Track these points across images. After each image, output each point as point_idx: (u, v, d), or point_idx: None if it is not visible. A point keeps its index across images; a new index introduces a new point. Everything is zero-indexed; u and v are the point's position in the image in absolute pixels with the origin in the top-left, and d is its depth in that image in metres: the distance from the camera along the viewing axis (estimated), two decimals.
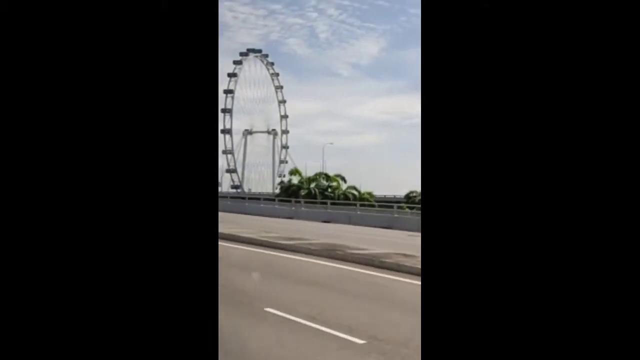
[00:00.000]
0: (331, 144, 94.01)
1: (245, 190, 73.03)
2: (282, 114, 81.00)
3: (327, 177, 41.66)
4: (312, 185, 40.68)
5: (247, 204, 34.05)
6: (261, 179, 79.65)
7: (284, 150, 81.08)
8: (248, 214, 27.58)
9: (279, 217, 27.04)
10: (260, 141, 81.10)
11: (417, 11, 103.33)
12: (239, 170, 77.13)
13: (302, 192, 38.81)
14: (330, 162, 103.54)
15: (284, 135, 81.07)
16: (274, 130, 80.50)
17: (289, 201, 33.06)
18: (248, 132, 79.52)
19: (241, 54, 76.46)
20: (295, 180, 43.12)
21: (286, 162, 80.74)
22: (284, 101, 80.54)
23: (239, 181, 76.56)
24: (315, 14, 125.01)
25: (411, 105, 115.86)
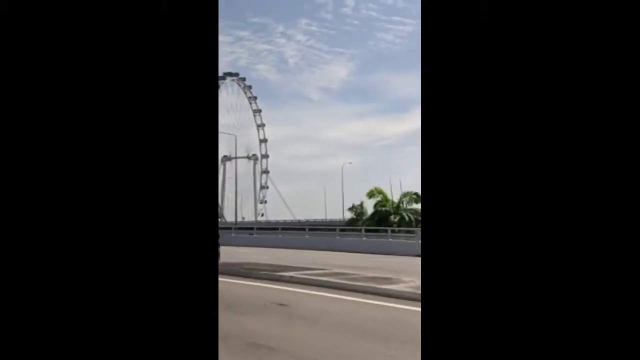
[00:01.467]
0: (350, 163, 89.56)
1: (239, 219, 69.69)
2: (262, 137, 79.05)
3: (418, 199, 32.47)
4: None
5: (338, 237, 24.37)
6: (243, 207, 76.45)
7: (264, 175, 78.78)
8: (345, 251, 20.19)
9: (401, 255, 18.07)
10: (240, 167, 78.09)
11: (384, 35, 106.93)
12: (219, 197, 73.59)
13: (394, 219, 31.17)
14: (303, 186, 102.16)
15: (264, 160, 78.96)
16: (254, 155, 78.01)
17: (413, 232, 25.13)
18: (227, 158, 76.29)
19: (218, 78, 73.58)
20: (369, 203, 34.23)
21: (267, 187, 78.81)
22: (262, 125, 78.78)
23: (220, 210, 73.05)
24: (283, 40, 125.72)
25: (381, 128, 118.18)
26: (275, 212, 73.73)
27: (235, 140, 57.17)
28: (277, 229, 32.74)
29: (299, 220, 61.04)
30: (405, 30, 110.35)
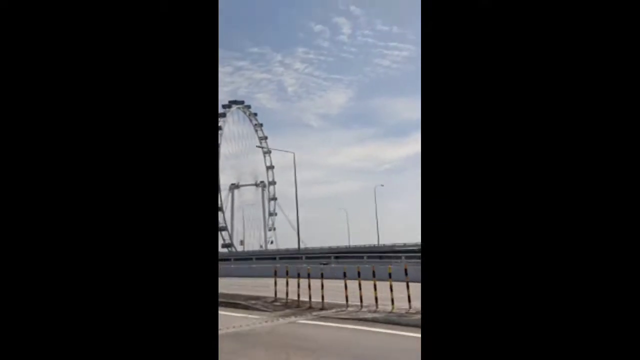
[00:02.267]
0: (382, 185, 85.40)
1: (251, 248, 68.01)
2: (268, 164, 78.18)
3: None
4: None
5: None
6: (252, 235, 74.89)
7: (272, 202, 77.51)
8: None
9: None
10: (248, 195, 76.74)
11: (381, 61, 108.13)
12: (229, 227, 71.85)
13: None
14: (308, 212, 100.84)
15: (272, 187, 77.88)
16: (262, 182, 76.88)
17: None
18: (235, 187, 75.00)
19: (224, 106, 72.88)
20: None
21: (275, 214, 77.40)
22: (269, 151, 77.84)
23: (230, 239, 71.29)
24: (281, 69, 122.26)
25: (383, 152, 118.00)
26: (283, 241, 72.24)
27: (297, 156, 56.02)
28: (365, 254, 29.74)
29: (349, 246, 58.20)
30: (401, 55, 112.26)
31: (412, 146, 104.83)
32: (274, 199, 78.20)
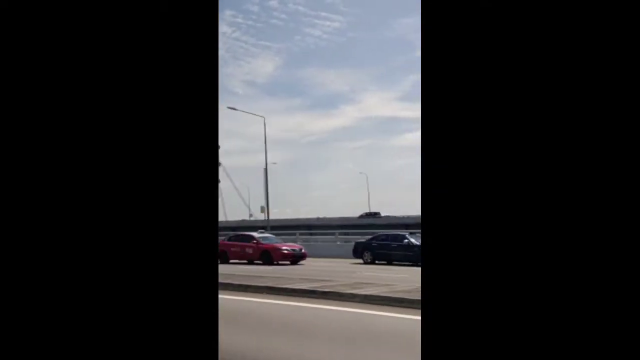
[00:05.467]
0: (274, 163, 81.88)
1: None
2: None
3: None
4: None
5: None
6: None
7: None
8: None
9: None
10: None
11: (311, 30, 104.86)
12: None
13: None
14: (240, 183, 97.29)
15: None
16: None
17: None
18: None
19: None
20: None
21: (219, 181, 73.54)
22: None
23: None
24: None
25: (309, 123, 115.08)
26: (231, 211, 68.78)
27: None
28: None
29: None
30: (332, 26, 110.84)
31: (340, 119, 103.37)
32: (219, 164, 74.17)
